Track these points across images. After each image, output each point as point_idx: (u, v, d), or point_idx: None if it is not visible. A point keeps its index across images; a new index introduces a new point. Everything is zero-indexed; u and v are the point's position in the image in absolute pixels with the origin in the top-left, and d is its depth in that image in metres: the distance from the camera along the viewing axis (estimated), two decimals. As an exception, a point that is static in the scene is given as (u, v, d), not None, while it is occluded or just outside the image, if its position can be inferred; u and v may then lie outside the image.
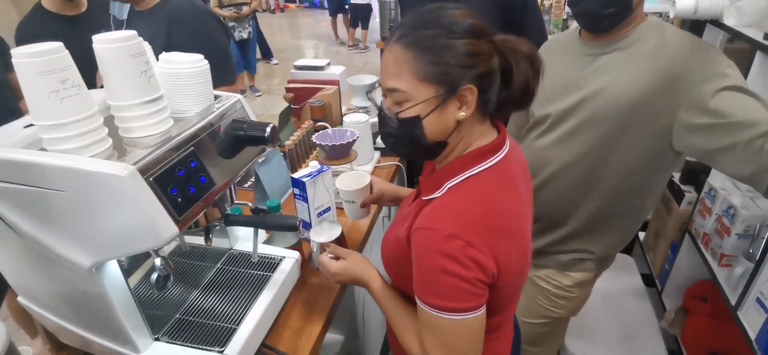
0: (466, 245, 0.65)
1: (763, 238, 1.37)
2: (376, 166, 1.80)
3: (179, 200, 0.69)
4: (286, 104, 1.98)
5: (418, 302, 0.72)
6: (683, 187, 1.87)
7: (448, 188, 0.73)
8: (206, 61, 0.83)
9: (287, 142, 1.66)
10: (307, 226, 1.33)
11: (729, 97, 0.92)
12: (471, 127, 0.74)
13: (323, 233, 1.05)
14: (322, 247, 0.99)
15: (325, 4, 8.54)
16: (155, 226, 0.65)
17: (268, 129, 0.85)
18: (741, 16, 1.36)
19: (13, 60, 0.60)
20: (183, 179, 0.71)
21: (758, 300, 1.30)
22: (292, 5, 10.87)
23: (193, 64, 0.81)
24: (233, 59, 1.73)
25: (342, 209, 1.33)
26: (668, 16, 1.57)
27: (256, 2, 5.19)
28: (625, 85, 1.02)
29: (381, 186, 1.14)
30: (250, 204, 0.99)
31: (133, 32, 0.70)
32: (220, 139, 0.83)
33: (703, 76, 0.95)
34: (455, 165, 0.74)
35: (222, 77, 1.57)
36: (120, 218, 0.65)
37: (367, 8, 7.03)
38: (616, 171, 1.10)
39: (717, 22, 1.44)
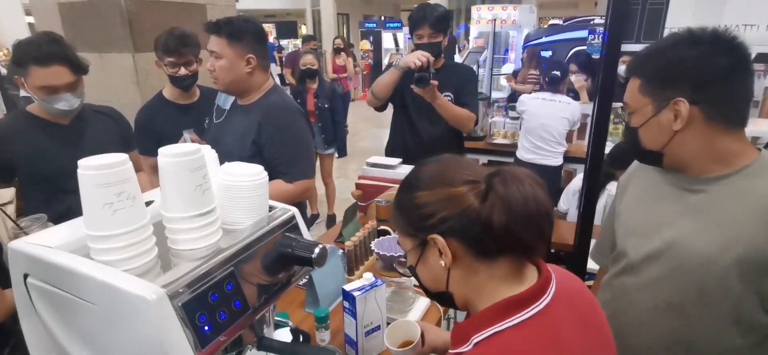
0: None
1: None
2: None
3: (206, 327, 0.63)
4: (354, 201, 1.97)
5: None
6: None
7: (474, 344, 0.65)
8: (265, 174, 0.82)
9: (347, 242, 1.61)
10: (353, 345, 1.21)
11: None
12: (475, 275, 0.68)
13: None
14: None
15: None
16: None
17: (317, 250, 0.79)
18: None
19: (78, 171, 0.61)
20: (215, 303, 0.66)
21: None
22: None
23: (250, 177, 0.79)
24: (313, 156, 1.78)
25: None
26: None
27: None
28: (729, 233, 0.84)
29: (433, 336, 1.02)
30: (290, 325, 0.90)
31: (197, 146, 0.71)
32: (266, 255, 0.79)
33: None
34: (483, 316, 0.67)
35: (302, 171, 1.64)
36: (141, 340, 0.61)
37: None
38: (722, 342, 0.89)
39: None
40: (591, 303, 0.74)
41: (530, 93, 6.19)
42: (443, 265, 0.68)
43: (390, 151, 2.36)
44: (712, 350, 0.91)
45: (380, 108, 2.24)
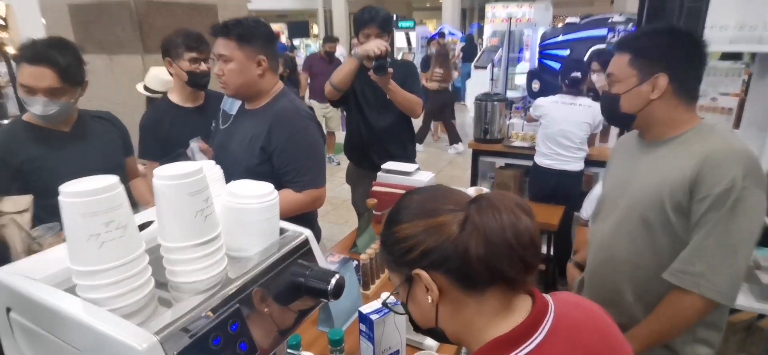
0: None
1: None
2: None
3: (206, 379, 0.55)
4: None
5: None
6: None
7: None
8: (275, 195, 0.73)
9: (363, 255, 1.52)
10: (370, 371, 1.12)
11: (707, 227, 0.99)
12: (463, 310, 0.63)
13: None
14: None
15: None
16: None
17: (333, 281, 0.70)
18: None
19: (59, 198, 0.53)
20: (218, 348, 0.57)
21: None
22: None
23: (259, 199, 0.70)
24: (325, 163, 1.69)
25: (413, 346, 1.19)
26: None
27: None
28: (668, 173, 1.06)
29: None
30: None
31: (198, 166, 0.62)
32: (276, 287, 0.70)
33: (706, 189, 0.99)
34: None
35: (313, 180, 1.56)
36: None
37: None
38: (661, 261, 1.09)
39: None
40: (606, 335, 0.66)
41: (437, 89, 5.96)
42: (430, 301, 0.63)
43: (349, 147, 2.42)
44: (657, 270, 1.09)
45: (337, 102, 2.28)
